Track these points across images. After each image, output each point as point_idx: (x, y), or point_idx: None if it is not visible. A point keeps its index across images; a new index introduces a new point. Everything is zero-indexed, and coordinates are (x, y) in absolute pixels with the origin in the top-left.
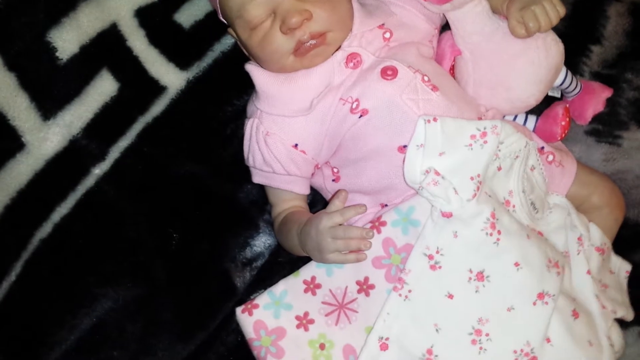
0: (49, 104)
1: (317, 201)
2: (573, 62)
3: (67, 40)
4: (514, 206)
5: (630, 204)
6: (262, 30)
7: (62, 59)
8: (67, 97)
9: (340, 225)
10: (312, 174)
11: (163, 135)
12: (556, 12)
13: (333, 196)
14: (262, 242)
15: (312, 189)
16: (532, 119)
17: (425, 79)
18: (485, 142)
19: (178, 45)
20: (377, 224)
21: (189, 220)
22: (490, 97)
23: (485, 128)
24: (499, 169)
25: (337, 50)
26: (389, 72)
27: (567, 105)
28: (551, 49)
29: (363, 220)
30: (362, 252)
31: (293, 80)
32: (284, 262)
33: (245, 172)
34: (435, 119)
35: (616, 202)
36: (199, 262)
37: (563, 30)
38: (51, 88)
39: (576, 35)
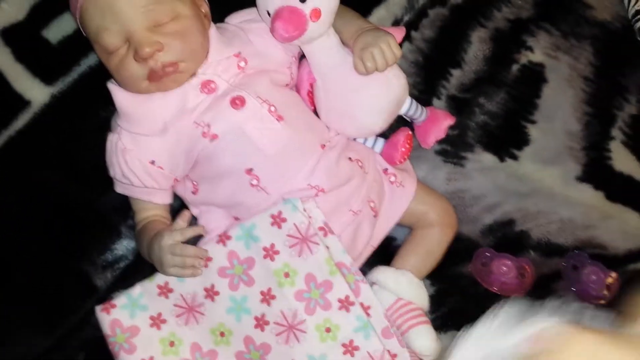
0: None
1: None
2: (433, 84)
3: None
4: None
5: (465, 220)
6: (118, 56)
7: None
8: None
9: (180, 243)
10: (173, 185)
11: (26, 147)
12: (392, 54)
13: (177, 215)
14: (124, 246)
15: None
16: (380, 142)
17: (271, 109)
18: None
19: (44, 61)
20: (223, 237)
21: (48, 226)
22: (339, 123)
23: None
24: None
25: (192, 76)
26: (238, 102)
27: (410, 133)
28: (392, 83)
29: (216, 232)
30: (197, 268)
31: (149, 101)
32: (147, 263)
33: (110, 181)
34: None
35: (448, 221)
36: (57, 265)
37: (428, 53)
38: None
39: (439, 59)
